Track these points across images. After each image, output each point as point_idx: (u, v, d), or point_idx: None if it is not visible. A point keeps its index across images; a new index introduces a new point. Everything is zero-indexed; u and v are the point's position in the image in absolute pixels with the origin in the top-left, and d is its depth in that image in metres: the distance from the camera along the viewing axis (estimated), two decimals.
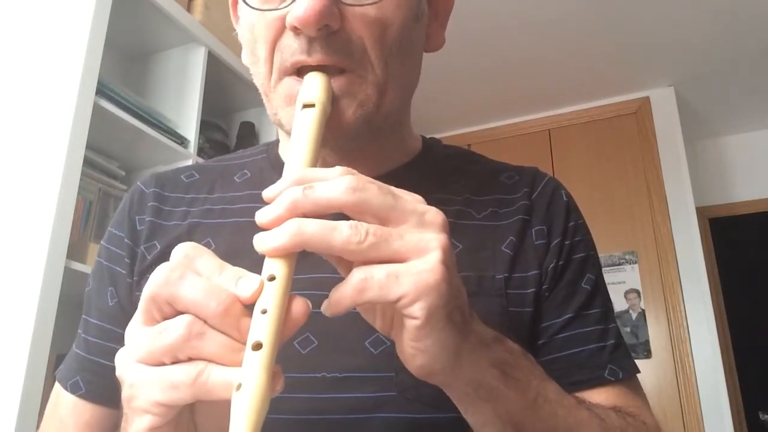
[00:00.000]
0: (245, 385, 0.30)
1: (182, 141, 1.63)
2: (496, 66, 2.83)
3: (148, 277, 0.55)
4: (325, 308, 0.34)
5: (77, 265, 1.25)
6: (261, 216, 0.35)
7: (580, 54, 2.74)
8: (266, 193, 0.36)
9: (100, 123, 1.35)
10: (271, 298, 0.32)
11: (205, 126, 1.78)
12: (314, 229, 0.33)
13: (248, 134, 1.99)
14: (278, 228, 0.33)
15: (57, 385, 0.59)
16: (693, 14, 2.46)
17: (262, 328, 0.31)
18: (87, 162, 1.34)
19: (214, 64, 1.76)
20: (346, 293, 0.33)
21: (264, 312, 0.32)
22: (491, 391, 0.39)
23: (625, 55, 2.76)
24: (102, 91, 1.37)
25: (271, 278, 0.33)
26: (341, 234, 0.33)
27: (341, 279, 0.36)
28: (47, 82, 1.33)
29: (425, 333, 0.34)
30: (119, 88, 1.46)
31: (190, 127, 1.66)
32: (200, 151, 1.75)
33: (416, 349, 0.35)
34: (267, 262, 0.34)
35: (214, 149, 1.86)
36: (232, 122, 2.08)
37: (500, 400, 0.39)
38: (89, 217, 1.44)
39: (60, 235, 1.20)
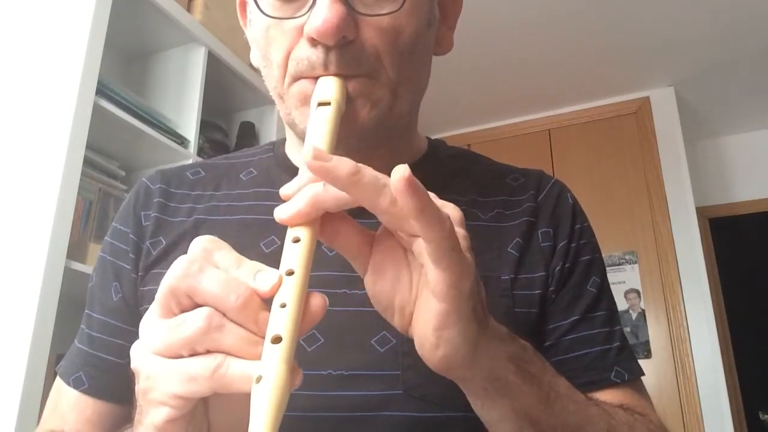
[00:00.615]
0: (265, 377, 0.30)
1: (182, 141, 1.63)
2: (496, 66, 2.83)
3: (153, 273, 0.56)
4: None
5: (77, 265, 1.25)
6: (281, 212, 0.35)
7: (580, 54, 2.74)
8: (284, 191, 0.36)
9: (100, 123, 1.35)
10: (289, 292, 0.32)
11: (205, 126, 1.77)
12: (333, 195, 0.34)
13: (248, 134, 1.99)
14: (297, 197, 0.34)
15: (58, 380, 0.59)
16: (693, 14, 2.46)
17: (282, 321, 0.31)
18: (87, 162, 1.33)
19: (214, 64, 1.76)
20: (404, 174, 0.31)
21: (283, 306, 0.32)
22: (508, 386, 0.39)
23: (625, 55, 2.76)
24: (102, 91, 1.37)
25: (289, 273, 0.33)
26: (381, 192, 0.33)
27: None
28: (47, 82, 1.33)
29: (451, 321, 0.34)
30: (119, 88, 1.46)
31: (190, 127, 1.65)
32: (200, 151, 1.75)
33: (440, 339, 0.35)
34: (284, 258, 0.34)
35: (214, 149, 1.86)
36: (232, 122, 2.08)
37: (516, 395, 0.40)
38: (89, 217, 1.44)
39: (60, 235, 1.20)
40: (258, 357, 0.31)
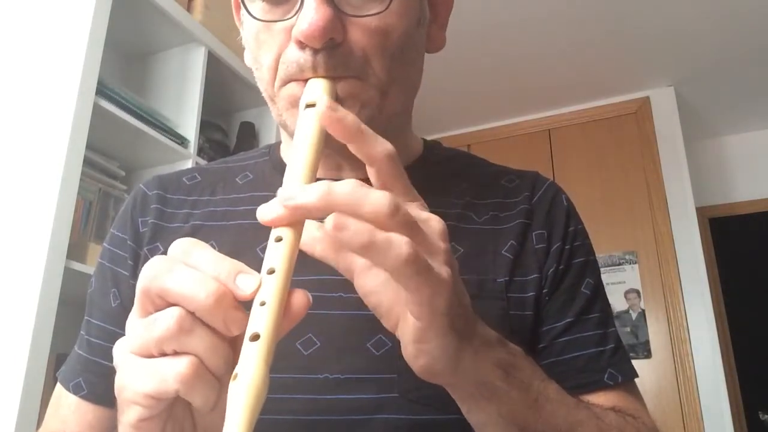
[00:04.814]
0: (241, 375, 0.30)
1: (182, 141, 1.63)
2: (496, 66, 2.83)
3: None
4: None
5: (77, 265, 1.25)
6: (263, 213, 0.35)
7: (580, 54, 2.74)
8: (261, 216, 0.35)
9: (100, 123, 1.35)
10: (270, 290, 0.32)
11: (205, 126, 1.78)
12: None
13: (248, 134, 1.99)
14: (279, 201, 0.34)
15: (59, 385, 0.59)
16: (693, 14, 2.46)
17: (261, 319, 0.31)
18: (87, 162, 1.34)
19: (214, 64, 1.76)
20: (361, 229, 0.32)
21: (263, 304, 0.32)
22: (494, 391, 0.39)
23: (625, 55, 2.75)
24: (102, 91, 1.37)
25: (271, 271, 0.33)
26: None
27: (344, 280, 0.35)
28: (47, 82, 1.33)
29: (428, 337, 0.35)
30: (119, 88, 1.46)
31: (190, 127, 1.65)
32: (200, 151, 1.75)
33: (419, 350, 0.36)
34: (268, 254, 0.34)
35: (214, 149, 1.86)
36: (232, 122, 2.08)
37: (503, 400, 0.40)
38: (89, 217, 1.44)
39: (60, 235, 1.20)
40: (222, 365, 0.32)
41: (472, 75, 2.88)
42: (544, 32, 2.59)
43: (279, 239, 0.34)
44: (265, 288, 0.32)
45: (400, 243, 0.32)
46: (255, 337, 0.31)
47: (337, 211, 0.32)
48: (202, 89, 1.69)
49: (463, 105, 3.16)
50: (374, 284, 0.37)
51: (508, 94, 3.08)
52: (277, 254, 0.34)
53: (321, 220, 0.34)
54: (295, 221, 0.35)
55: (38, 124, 1.30)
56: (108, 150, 1.54)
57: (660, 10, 2.44)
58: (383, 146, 0.36)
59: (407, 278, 0.33)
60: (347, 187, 0.33)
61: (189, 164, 1.63)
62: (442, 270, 0.34)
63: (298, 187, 0.34)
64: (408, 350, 0.36)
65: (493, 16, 2.48)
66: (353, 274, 0.38)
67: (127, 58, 1.79)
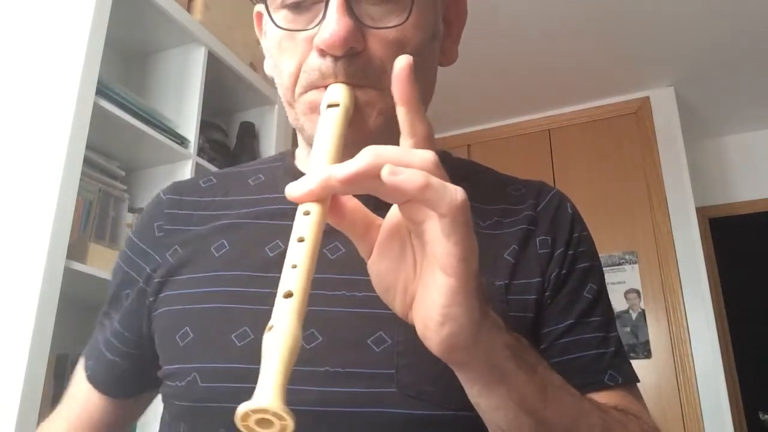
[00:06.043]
0: (276, 326, 0.32)
1: (182, 141, 1.63)
2: (496, 66, 2.83)
3: (171, 281, 0.58)
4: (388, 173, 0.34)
5: (77, 265, 1.25)
6: (292, 189, 0.36)
7: (580, 54, 2.75)
8: (291, 192, 0.37)
9: (100, 123, 1.35)
10: (300, 254, 0.35)
11: (205, 126, 1.78)
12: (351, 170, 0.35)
13: (248, 134, 1.99)
14: (309, 177, 0.36)
15: (81, 359, 0.66)
16: (693, 14, 2.46)
17: (292, 279, 0.34)
18: (87, 162, 1.34)
19: (214, 64, 1.76)
20: (413, 174, 0.34)
21: (294, 267, 0.35)
22: (505, 373, 0.40)
23: (625, 55, 2.76)
24: (102, 91, 1.37)
25: (300, 239, 0.36)
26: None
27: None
28: (47, 82, 1.33)
29: (459, 298, 0.35)
30: (119, 88, 1.46)
31: (190, 127, 1.66)
32: (200, 151, 1.75)
33: (446, 316, 0.36)
34: (295, 228, 0.36)
35: (214, 149, 1.86)
36: (232, 122, 2.08)
37: (512, 383, 0.40)
38: (89, 217, 1.44)
39: (60, 235, 1.21)
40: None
41: (472, 75, 2.88)
42: (543, 32, 2.60)
43: (307, 213, 0.36)
44: (296, 253, 0.35)
45: (455, 189, 0.34)
46: (288, 295, 0.34)
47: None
48: (202, 89, 1.69)
49: (463, 105, 3.16)
50: (389, 263, 0.39)
51: (508, 94, 3.08)
52: (306, 225, 0.36)
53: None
54: (324, 196, 0.37)
55: (38, 124, 1.30)
56: (108, 150, 1.54)
57: (660, 10, 2.44)
58: (428, 124, 0.39)
59: (458, 226, 0.34)
60: (392, 148, 0.36)
61: (189, 164, 1.63)
62: (473, 234, 0.36)
63: (342, 164, 0.35)
64: (432, 320, 0.36)
65: (493, 18, 2.48)
66: (371, 252, 0.40)
67: (127, 58, 1.79)
